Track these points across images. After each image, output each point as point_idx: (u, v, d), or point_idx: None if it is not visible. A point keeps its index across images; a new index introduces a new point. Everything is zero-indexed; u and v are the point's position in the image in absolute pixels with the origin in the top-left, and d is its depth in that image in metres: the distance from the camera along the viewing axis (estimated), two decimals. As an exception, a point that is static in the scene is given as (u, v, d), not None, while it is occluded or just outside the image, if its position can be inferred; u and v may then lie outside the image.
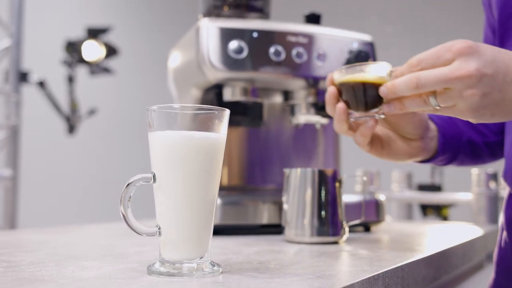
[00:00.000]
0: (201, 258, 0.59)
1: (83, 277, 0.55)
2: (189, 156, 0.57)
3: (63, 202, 3.53)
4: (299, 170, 0.90)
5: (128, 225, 0.58)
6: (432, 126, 0.89)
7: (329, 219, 0.88)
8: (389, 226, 1.23)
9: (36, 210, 3.29)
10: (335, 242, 0.88)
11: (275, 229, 1.02)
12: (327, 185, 0.89)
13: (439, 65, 0.64)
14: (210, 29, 1.01)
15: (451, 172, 2.90)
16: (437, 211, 2.16)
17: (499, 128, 0.96)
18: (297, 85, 1.08)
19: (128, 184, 0.57)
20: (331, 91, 0.79)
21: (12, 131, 2.43)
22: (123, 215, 0.57)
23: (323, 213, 0.88)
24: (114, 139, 3.90)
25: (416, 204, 2.09)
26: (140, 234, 0.58)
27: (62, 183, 3.54)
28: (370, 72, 0.75)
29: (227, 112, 0.60)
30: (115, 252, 0.74)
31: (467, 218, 1.51)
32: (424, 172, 2.56)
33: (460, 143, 0.92)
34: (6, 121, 2.42)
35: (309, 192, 0.89)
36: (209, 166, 0.58)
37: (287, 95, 1.13)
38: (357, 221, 0.91)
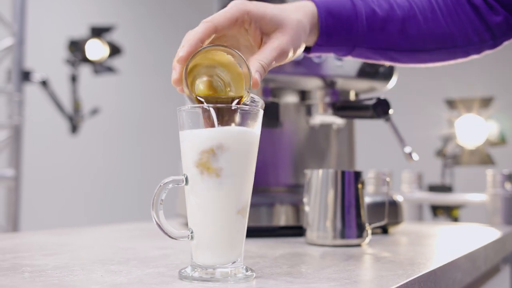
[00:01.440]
0: (234, 262, 0.57)
1: (115, 282, 0.53)
2: (226, 153, 0.55)
3: (66, 202, 3.51)
4: (320, 171, 0.89)
5: (161, 228, 0.56)
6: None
7: (352, 222, 0.86)
8: (405, 227, 1.21)
9: (38, 210, 3.27)
10: (358, 245, 0.87)
11: (293, 231, 1.01)
12: (350, 186, 0.87)
13: None
14: (227, 28, 0.99)
15: (462, 172, 2.89)
16: (447, 211, 2.15)
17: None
18: (314, 84, 1.06)
19: (159, 187, 0.56)
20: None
21: (15, 131, 2.40)
22: (155, 219, 0.56)
23: (346, 215, 0.86)
24: (117, 138, 3.88)
25: (426, 205, 2.08)
26: (175, 238, 0.56)
27: (64, 183, 3.52)
28: None
29: (260, 111, 0.59)
30: (139, 255, 0.73)
31: (479, 219, 1.49)
32: (434, 173, 2.54)
33: (356, 24, 0.73)
34: (8, 121, 2.40)
35: (331, 194, 0.87)
36: (244, 165, 0.57)
37: (303, 95, 1.11)
38: (381, 223, 0.90)
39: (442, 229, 1.24)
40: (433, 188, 2.00)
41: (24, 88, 2.44)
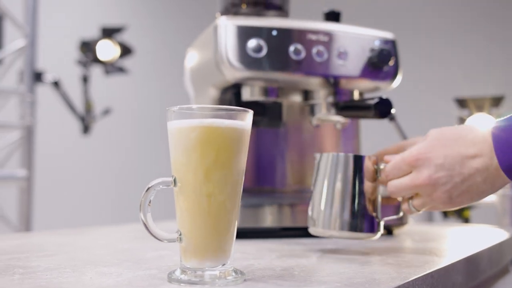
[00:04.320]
0: (223, 265, 0.56)
1: (102, 285, 0.53)
2: (213, 150, 0.54)
3: (78, 203, 3.53)
4: (331, 154, 0.80)
5: (148, 230, 0.56)
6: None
7: (362, 213, 0.77)
8: (411, 228, 1.20)
9: (51, 210, 3.30)
10: (368, 239, 0.79)
11: (296, 232, 1.00)
12: (362, 172, 0.78)
13: (402, 176, 0.76)
14: (228, 27, 0.99)
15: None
16: (458, 212, 2.11)
17: None
18: (317, 84, 1.05)
19: (147, 189, 0.55)
20: None
21: (27, 131, 2.42)
22: (143, 221, 0.55)
23: (356, 205, 0.77)
24: (128, 139, 3.90)
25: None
26: (161, 240, 0.56)
27: (76, 183, 3.54)
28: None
29: (250, 112, 0.58)
30: (134, 257, 0.72)
31: (490, 220, 1.47)
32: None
33: None
34: (21, 121, 2.42)
35: (341, 180, 0.78)
36: (234, 162, 0.56)
37: (306, 94, 1.10)
38: (394, 217, 0.82)
39: (450, 231, 1.22)
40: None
41: (36, 89, 2.46)
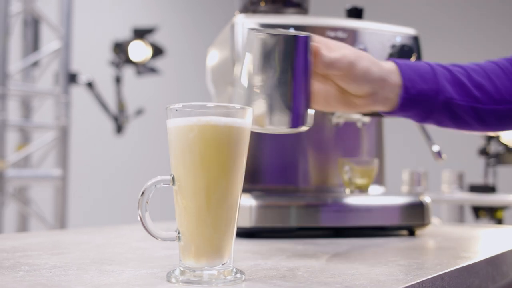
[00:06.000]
0: (223, 264, 0.56)
1: (100, 283, 0.53)
2: (211, 148, 0.54)
3: (112, 201, 3.59)
4: (260, 35, 0.67)
5: (146, 229, 0.55)
6: (395, 80, 0.78)
7: (288, 102, 0.67)
8: (437, 229, 1.17)
9: (85, 209, 3.36)
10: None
11: (313, 232, 0.99)
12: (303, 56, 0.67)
13: None
14: (245, 26, 0.98)
15: (506, 172, 2.77)
16: (490, 213, 2.04)
17: (504, 98, 0.82)
18: (336, 82, 1.03)
19: (146, 187, 0.55)
20: None
21: (62, 132, 2.47)
22: (141, 219, 0.55)
23: (281, 92, 0.67)
24: (161, 138, 3.93)
25: (468, 206, 1.99)
26: (157, 239, 0.55)
27: (110, 182, 3.60)
28: None
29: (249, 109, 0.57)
30: (143, 255, 0.72)
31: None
32: (476, 172, 2.44)
33: (434, 101, 0.79)
34: (56, 122, 2.47)
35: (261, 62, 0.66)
36: (233, 161, 0.55)
37: (326, 92, 1.08)
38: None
39: (478, 232, 1.19)
40: (474, 189, 1.91)
41: (71, 90, 2.51)
